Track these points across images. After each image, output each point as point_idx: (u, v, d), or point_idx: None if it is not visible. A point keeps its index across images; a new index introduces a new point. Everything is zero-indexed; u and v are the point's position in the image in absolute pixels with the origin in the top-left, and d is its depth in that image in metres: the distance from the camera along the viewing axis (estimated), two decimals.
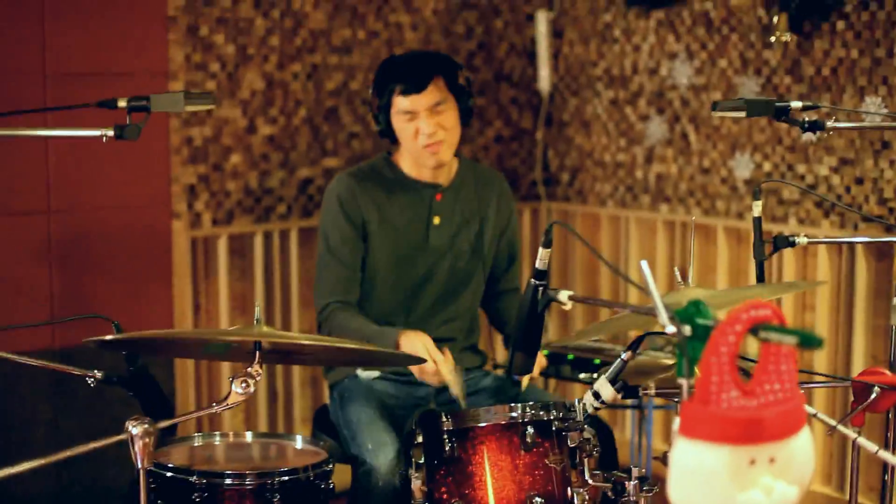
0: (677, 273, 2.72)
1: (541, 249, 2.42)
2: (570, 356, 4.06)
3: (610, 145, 5.33)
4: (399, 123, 3.39)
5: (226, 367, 4.62)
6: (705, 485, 1.81)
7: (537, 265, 2.44)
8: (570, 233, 5.06)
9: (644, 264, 2.04)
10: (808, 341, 1.76)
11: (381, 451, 3.10)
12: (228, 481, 2.79)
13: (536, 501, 2.49)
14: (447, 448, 2.50)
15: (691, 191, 5.03)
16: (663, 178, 5.13)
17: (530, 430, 2.50)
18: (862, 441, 2.45)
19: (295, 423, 4.83)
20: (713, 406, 1.82)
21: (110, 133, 2.54)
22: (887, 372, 2.75)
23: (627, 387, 2.85)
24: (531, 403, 2.58)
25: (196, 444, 3.05)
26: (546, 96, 5.51)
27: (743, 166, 4.85)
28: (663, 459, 3.11)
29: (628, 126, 5.24)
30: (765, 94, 4.74)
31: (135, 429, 2.32)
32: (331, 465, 2.92)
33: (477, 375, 3.57)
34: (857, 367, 4.49)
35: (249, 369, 2.44)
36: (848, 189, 4.53)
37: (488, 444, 2.50)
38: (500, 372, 3.57)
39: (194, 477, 2.77)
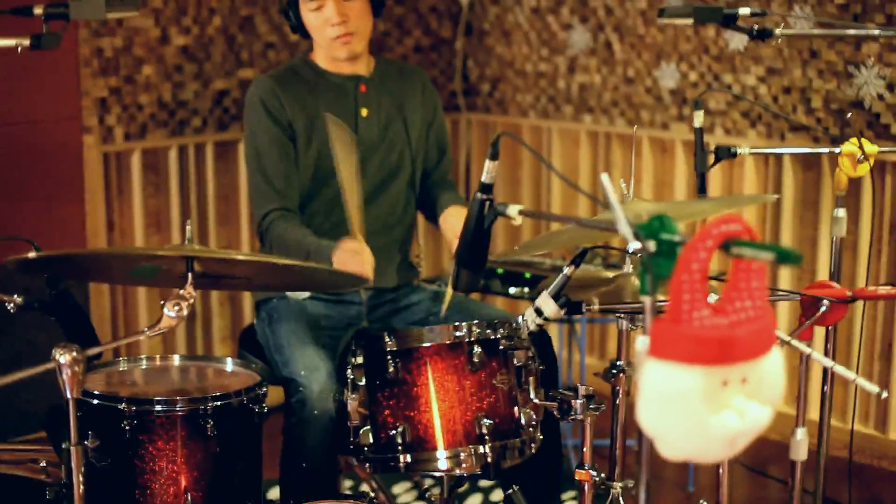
0: (623, 185, 2.63)
1: (487, 162, 2.31)
2: (500, 270, 3.98)
3: (531, 55, 5.21)
4: (308, 15, 3.29)
5: (142, 293, 4.47)
6: (678, 408, 1.74)
7: (483, 178, 2.33)
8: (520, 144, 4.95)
9: (605, 177, 1.94)
10: (786, 257, 1.69)
11: (314, 374, 2.98)
12: (159, 408, 2.66)
13: (485, 423, 2.40)
14: (391, 369, 2.39)
15: (615, 101, 4.95)
16: (586, 89, 5.04)
17: (477, 349, 2.41)
18: (816, 356, 2.40)
19: (214, 345, 4.70)
20: (685, 325, 1.74)
21: (26, 43, 2.36)
22: (835, 284, 2.70)
23: (571, 303, 2.77)
24: (476, 322, 2.48)
25: (121, 369, 2.92)
26: (466, 4, 5.37)
27: (668, 76, 4.78)
28: (605, 376, 3.06)
29: (550, 35, 5.13)
30: (691, 4, 4.65)
31: (62, 357, 2.19)
32: (264, 389, 2.81)
33: (405, 291, 3.47)
34: (785, 280, 4.48)
35: (182, 291, 2.31)
36: (776, 99, 4.48)
37: (433, 364, 2.40)
38: (430, 286, 3.46)
39: (122, 404, 2.64)
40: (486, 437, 2.39)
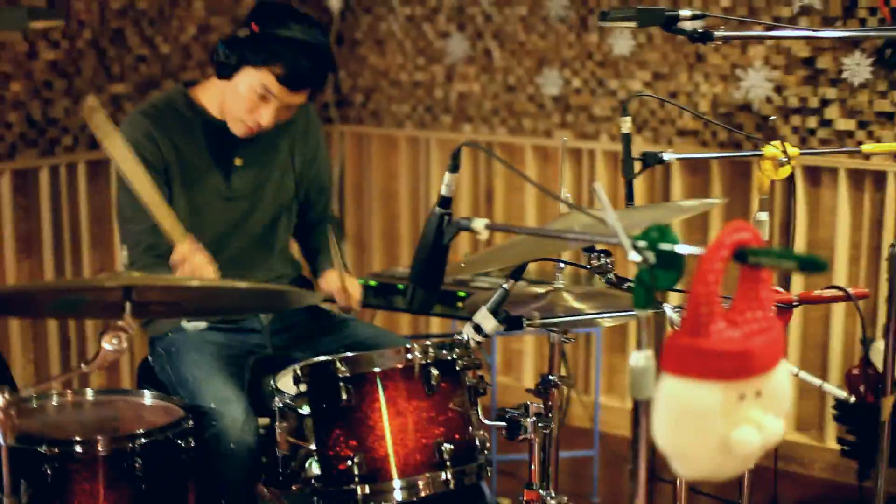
0: (567, 196, 2.54)
1: (447, 175, 2.20)
2: (401, 286, 3.86)
3: (407, 64, 5.11)
4: (246, 91, 3.02)
5: (52, 326, 4.23)
6: (699, 425, 1.65)
7: (443, 191, 2.21)
8: (486, 154, 4.83)
9: (598, 186, 1.85)
10: (809, 264, 1.62)
11: (226, 407, 2.81)
12: (80, 449, 2.47)
13: (445, 449, 2.28)
14: (344, 397, 2.25)
15: (496, 109, 4.88)
16: (466, 97, 4.96)
17: (434, 371, 2.29)
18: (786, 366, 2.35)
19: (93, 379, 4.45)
20: (703, 340, 1.66)
21: None
22: (781, 290, 2.67)
23: (510, 318, 2.68)
24: (428, 342, 2.36)
25: (32, 406, 2.70)
26: (337, 14, 5.23)
27: (551, 83, 4.73)
28: (538, 391, 2.97)
29: (427, 44, 5.03)
30: (574, 9, 4.61)
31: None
32: (190, 422, 2.63)
33: (304, 316, 3.31)
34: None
35: (120, 322, 2.13)
36: (662, 103, 4.47)
37: (388, 389, 2.26)
38: (328, 306, 3.31)
39: (43, 447, 2.43)
40: (447, 463, 2.27)
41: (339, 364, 2.26)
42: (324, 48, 3.03)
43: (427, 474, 2.27)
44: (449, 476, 2.28)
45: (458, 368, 2.36)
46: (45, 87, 4.19)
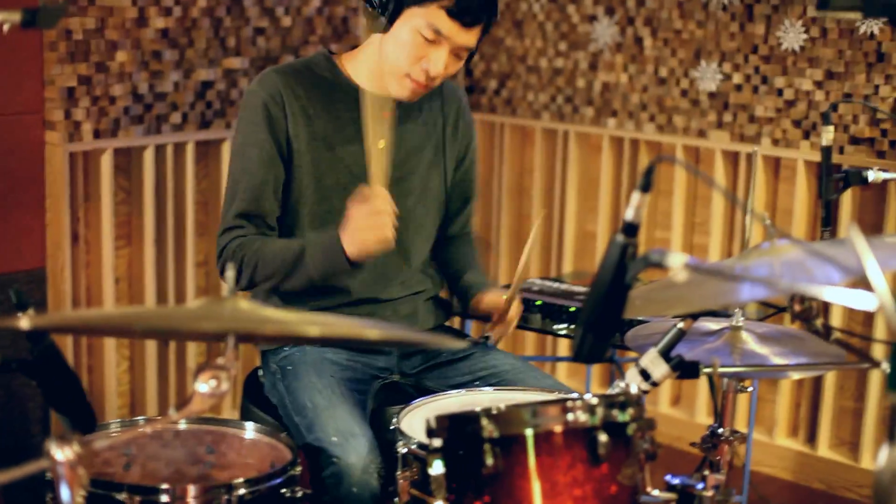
0: (767, 221, 2.07)
1: (636, 195, 1.75)
2: (539, 302, 3.42)
3: (547, 49, 4.65)
4: (410, 35, 2.60)
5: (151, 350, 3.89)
6: None
7: (628, 216, 1.77)
8: (688, 170, 4.39)
9: (854, 229, 1.39)
10: None
11: (350, 444, 2.40)
12: (165, 499, 2.07)
13: None
14: (489, 462, 1.82)
15: (644, 104, 4.40)
16: (611, 89, 4.49)
17: (603, 437, 1.84)
18: None
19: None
20: None
21: (15, 19, 1.74)
22: None
23: (684, 363, 2.22)
24: (594, 399, 1.91)
25: (113, 436, 2.31)
26: None
27: (708, 77, 4.24)
28: (703, 446, 2.52)
29: (570, 27, 4.57)
30: None
31: (61, 452, 1.59)
32: (299, 468, 2.22)
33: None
34: None
35: (220, 360, 1.71)
36: (835, 107, 3.95)
37: (545, 456, 1.82)
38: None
39: (123, 494, 2.04)
40: None
41: (485, 421, 1.82)
42: None
43: None
44: None
45: (629, 433, 1.91)
46: (153, 59, 3.81)
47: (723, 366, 2.28)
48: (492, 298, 2.80)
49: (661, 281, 2.14)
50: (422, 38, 2.58)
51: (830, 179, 2.51)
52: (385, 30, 2.62)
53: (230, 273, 1.76)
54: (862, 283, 1.48)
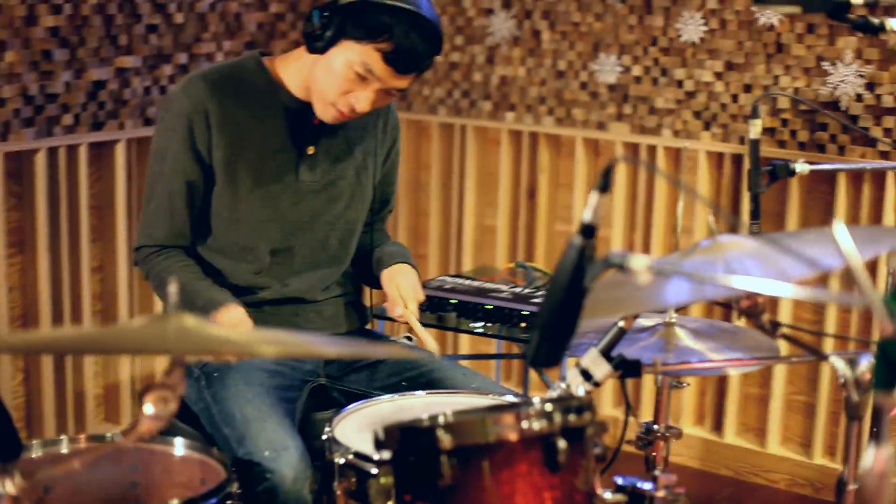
0: (711, 220, 2.06)
1: (593, 195, 1.71)
2: (454, 300, 3.37)
3: (443, 44, 4.59)
4: (342, 68, 2.51)
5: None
6: None
7: (586, 217, 1.72)
8: (645, 167, 4.32)
9: (840, 227, 1.37)
10: None
11: (282, 458, 2.32)
12: None
13: None
14: (445, 474, 1.76)
15: (543, 97, 4.39)
16: (508, 83, 4.46)
17: (562, 443, 1.80)
18: None
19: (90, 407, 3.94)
20: None
21: None
22: None
23: (626, 362, 2.20)
24: (548, 403, 1.86)
25: (34, 456, 2.19)
26: None
27: (607, 70, 4.24)
28: (638, 443, 2.52)
29: (466, 21, 4.53)
30: None
31: (8, 485, 1.49)
32: (236, 486, 2.14)
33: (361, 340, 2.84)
34: None
35: (166, 378, 1.63)
36: (735, 97, 3.99)
37: (503, 466, 1.77)
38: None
39: None
40: None
41: (440, 432, 1.76)
42: (436, 24, 2.53)
43: None
44: None
45: (586, 437, 1.87)
46: (43, 59, 3.66)
47: (664, 364, 2.27)
48: (405, 284, 2.72)
49: (603, 281, 2.10)
50: (354, 73, 2.51)
51: (759, 172, 2.51)
52: (321, 52, 2.54)
53: (173, 289, 1.67)
54: (821, 278, 1.46)
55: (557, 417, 1.83)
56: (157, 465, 2.26)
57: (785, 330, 2.03)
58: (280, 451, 2.33)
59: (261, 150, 2.64)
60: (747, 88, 3.95)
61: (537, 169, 4.43)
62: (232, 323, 2.45)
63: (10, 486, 1.49)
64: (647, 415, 4.10)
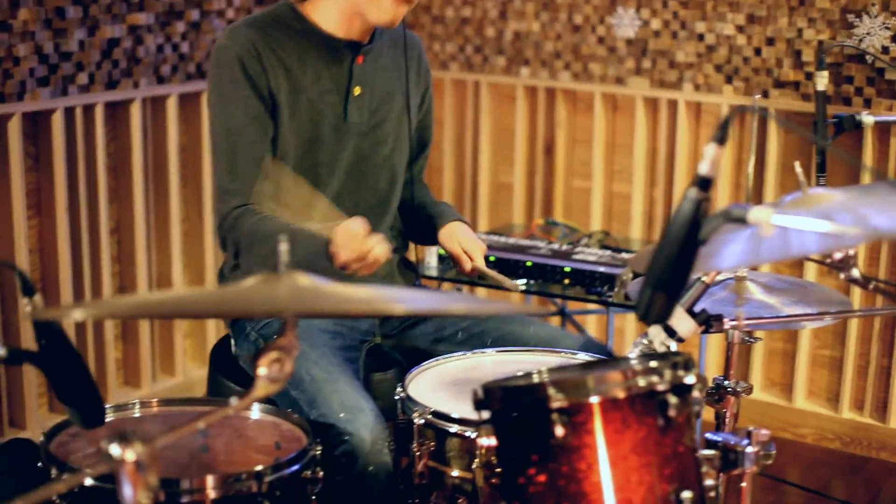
0: (799, 172, 2.02)
1: (711, 147, 1.66)
2: (492, 258, 3.32)
3: None
4: None
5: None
6: None
7: (702, 169, 1.68)
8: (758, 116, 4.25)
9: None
10: None
11: (359, 419, 2.27)
12: (186, 500, 1.92)
13: (685, 497, 1.76)
14: (558, 432, 1.71)
15: (558, 52, 4.33)
16: (522, 37, 4.40)
17: (673, 399, 1.76)
18: None
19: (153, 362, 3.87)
20: None
21: None
22: None
23: (710, 317, 2.17)
24: (656, 360, 1.81)
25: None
26: None
27: (626, 24, 4.19)
28: (709, 399, 2.48)
29: None
30: None
31: (129, 452, 1.43)
32: (319, 449, 2.09)
33: None
34: None
35: (281, 340, 1.57)
36: (758, 51, 3.95)
37: (613, 423, 1.73)
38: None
39: None
40: None
41: (552, 390, 1.72)
42: None
43: None
44: None
45: (694, 394, 1.83)
46: (56, 16, 3.56)
47: (748, 318, 2.23)
48: (467, 239, 2.69)
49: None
50: None
51: (825, 125, 2.47)
52: None
53: (283, 247, 1.60)
54: None
55: (667, 374, 1.79)
56: (229, 427, 2.21)
57: (877, 283, 2.00)
58: (356, 413, 2.28)
59: (310, 93, 2.58)
60: (770, 42, 3.91)
61: (554, 125, 4.37)
62: (355, 233, 2.35)
63: (131, 454, 1.43)
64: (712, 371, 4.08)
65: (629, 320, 4.20)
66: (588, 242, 3.52)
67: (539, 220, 3.83)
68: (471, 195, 4.57)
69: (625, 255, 3.34)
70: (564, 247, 3.37)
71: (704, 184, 1.67)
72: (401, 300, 1.59)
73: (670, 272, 1.71)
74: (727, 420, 2.45)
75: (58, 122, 3.59)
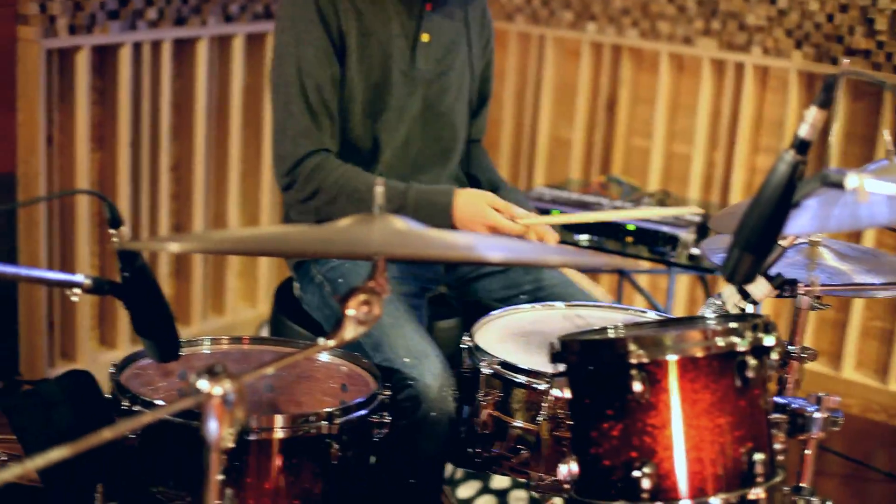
0: (888, 140, 2.00)
1: (813, 111, 1.64)
2: (556, 212, 3.31)
3: None
4: None
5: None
6: None
7: (801, 132, 1.66)
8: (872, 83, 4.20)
9: None
10: None
11: (424, 365, 2.27)
12: (254, 439, 1.93)
13: (757, 459, 1.75)
14: (636, 388, 1.71)
15: (626, 9, 4.29)
16: None
17: (752, 361, 1.75)
18: None
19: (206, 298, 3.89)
20: None
21: None
22: None
23: (786, 280, 2.15)
24: (739, 319, 1.80)
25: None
26: None
27: None
28: None
29: None
30: None
31: (216, 387, 1.44)
32: (387, 392, 2.10)
33: None
34: None
35: (371, 283, 1.57)
36: (830, 17, 3.89)
37: (694, 382, 1.72)
38: None
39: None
40: (759, 478, 1.75)
41: (632, 346, 1.71)
42: None
43: (740, 491, 1.75)
44: (762, 495, 1.76)
45: (773, 357, 1.82)
46: None
47: (823, 284, 2.21)
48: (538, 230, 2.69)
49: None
50: None
51: None
52: None
53: (379, 189, 1.59)
54: None
55: (748, 335, 1.78)
56: (296, 368, 2.21)
57: None
58: (421, 359, 2.28)
59: (381, 37, 2.56)
60: (843, 8, 3.86)
61: (618, 82, 4.34)
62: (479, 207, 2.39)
63: (219, 388, 1.44)
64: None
65: (685, 282, 4.18)
66: (650, 202, 3.49)
67: (601, 177, 3.80)
68: (528, 149, 4.55)
69: (687, 217, 3.31)
70: (627, 204, 3.35)
71: (803, 147, 1.65)
72: (498, 248, 1.58)
73: (761, 234, 1.70)
74: (789, 385, 2.43)
75: (125, 56, 3.59)
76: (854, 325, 3.99)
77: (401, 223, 1.57)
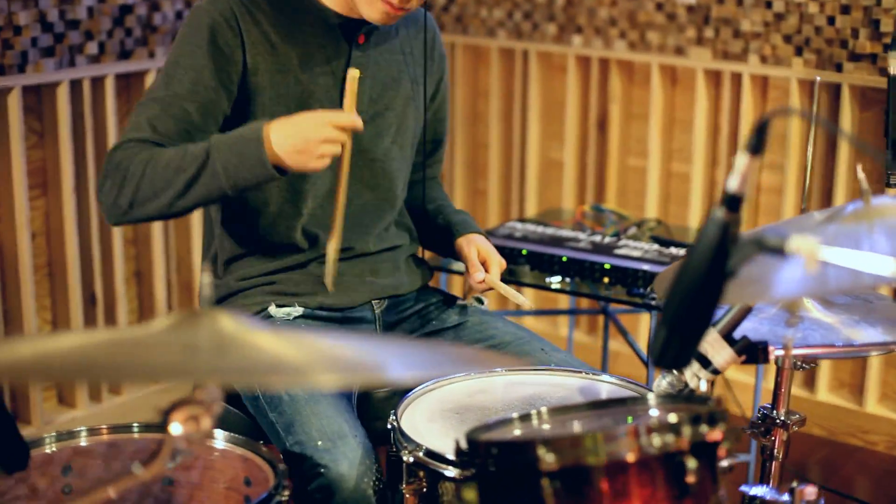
0: (862, 178, 1.68)
1: (741, 159, 1.33)
2: (524, 251, 3.00)
3: None
4: None
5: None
6: None
7: (730, 186, 1.35)
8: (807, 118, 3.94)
9: None
10: None
11: (339, 449, 1.98)
12: None
13: None
14: (548, 499, 1.40)
15: (614, 19, 3.98)
16: (574, 4, 4.05)
17: (691, 462, 1.44)
18: None
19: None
20: None
21: None
22: None
23: (751, 345, 1.83)
24: (673, 413, 1.49)
25: (48, 451, 1.87)
26: None
27: None
28: (754, 429, 2.15)
29: None
30: None
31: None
32: (286, 493, 1.80)
33: (424, 295, 2.49)
34: None
35: (199, 393, 1.28)
36: (831, 20, 3.57)
37: (619, 491, 1.42)
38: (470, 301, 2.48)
39: None
40: None
41: (542, 451, 1.41)
42: None
43: None
44: None
45: (720, 454, 1.51)
46: None
47: (803, 345, 1.90)
48: (486, 250, 2.41)
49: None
50: None
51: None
52: None
53: (206, 279, 1.31)
54: None
55: (686, 431, 1.47)
56: (196, 459, 1.93)
57: None
58: (336, 442, 1.99)
59: (300, 74, 2.27)
60: (845, 10, 3.53)
61: (608, 98, 4.03)
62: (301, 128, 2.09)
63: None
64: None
65: None
66: (636, 233, 3.18)
67: (585, 207, 3.49)
68: (519, 173, 4.25)
69: (673, 251, 3.00)
70: (607, 239, 3.05)
71: (734, 203, 1.35)
72: (331, 368, 1.28)
73: (689, 310, 1.39)
74: (775, 453, 2.12)
75: (63, 95, 3.33)
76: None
77: (230, 322, 1.27)
